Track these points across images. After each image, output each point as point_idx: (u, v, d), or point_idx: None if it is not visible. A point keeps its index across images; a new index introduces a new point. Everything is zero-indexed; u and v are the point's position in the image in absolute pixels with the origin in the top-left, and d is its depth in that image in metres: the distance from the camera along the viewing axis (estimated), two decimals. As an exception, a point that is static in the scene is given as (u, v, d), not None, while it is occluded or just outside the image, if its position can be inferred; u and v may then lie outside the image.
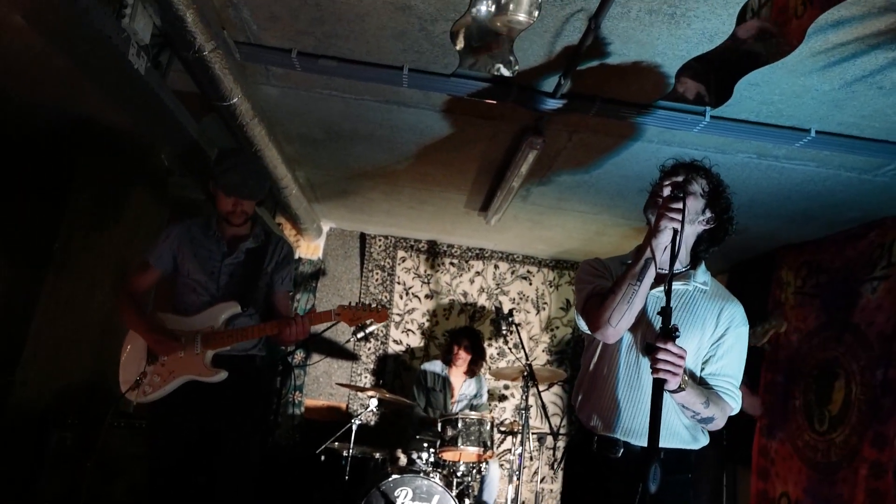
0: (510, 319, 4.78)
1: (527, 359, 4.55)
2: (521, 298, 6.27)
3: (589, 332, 2.20)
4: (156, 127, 3.00)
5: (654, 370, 1.88)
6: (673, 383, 1.92)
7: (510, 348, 6.07)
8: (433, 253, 6.26)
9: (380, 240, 6.23)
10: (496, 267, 6.31)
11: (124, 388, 2.83)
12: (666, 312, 1.91)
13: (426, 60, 2.71)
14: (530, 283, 6.32)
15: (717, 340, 2.16)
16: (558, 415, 6.13)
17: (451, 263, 6.27)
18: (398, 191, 4.73)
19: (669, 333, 1.89)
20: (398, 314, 6.16)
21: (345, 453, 4.39)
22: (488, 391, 5.57)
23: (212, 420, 2.84)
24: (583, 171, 3.77)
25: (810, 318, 4.35)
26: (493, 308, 6.09)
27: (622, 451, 2.15)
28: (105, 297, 4.04)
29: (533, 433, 4.85)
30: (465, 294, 6.24)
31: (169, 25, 2.38)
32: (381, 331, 6.09)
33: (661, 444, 2.12)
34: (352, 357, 6.06)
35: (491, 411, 5.77)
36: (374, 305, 2.98)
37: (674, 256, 1.96)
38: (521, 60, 2.61)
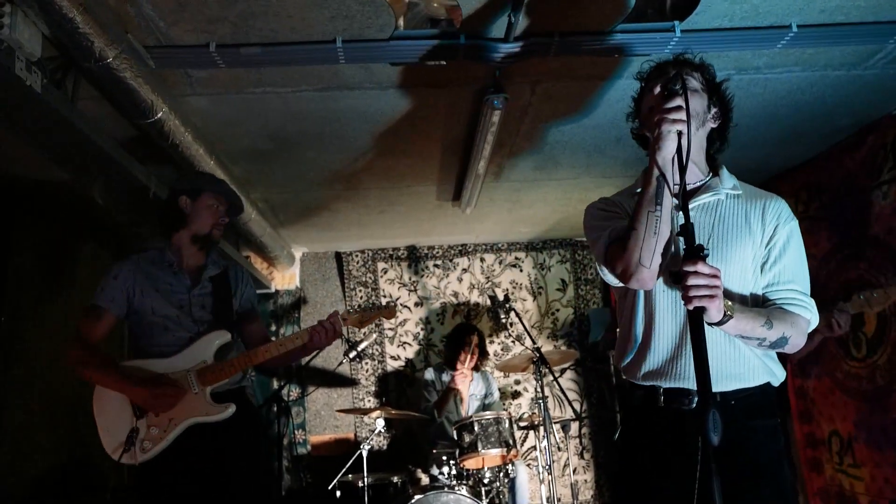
0: (507, 306, 4.47)
1: (533, 343, 4.23)
2: (514, 287, 5.96)
3: (620, 284, 1.89)
4: (77, 158, 2.66)
5: (688, 300, 1.57)
6: (714, 312, 1.61)
7: (513, 341, 5.76)
8: (414, 258, 5.94)
9: (356, 256, 5.91)
10: (482, 260, 6.01)
11: (115, 454, 2.48)
12: (686, 230, 1.60)
13: (359, 26, 2.41)
14: (521, 270, 6.02)
15: (770, 242, 1.86)
16: (578, 400, 5.81)
17: (436, 265, 5.96)
18: (364, 195, 4.42)
19: (696, 253, 1.59)
20: (390, 329, 5.83)
21: (360, 483, 4.04)
22: (499, 390, 5.24)
23: (220, 461, 2.58)
24: (553, 129, 3.48)
25: (822, 242, 4.08)
26: (488, 298, 5.76)
27: (696, 400, 1.82)
28: (70, 374, 3.69)
29: (556, 423, 4.54)
30: (455, 294, 5.92)
31: (59, 31, 2.06)
32: (377, 349, 5.76)
33: (732, 386, 1.83)
34: (350, 383, 5.72)
35: (507, 409, 5.44)
36: (379, 306, 2.82)
37: (683, 165, 1.66)
38: (462, 2, 2.33)
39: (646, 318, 1.92)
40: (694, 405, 1.82)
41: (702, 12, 2.48)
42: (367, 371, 5.74)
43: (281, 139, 3.39)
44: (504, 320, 5.13)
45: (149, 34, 2.37)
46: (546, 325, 5.92)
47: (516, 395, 5.80)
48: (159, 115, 2.64)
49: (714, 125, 1.95)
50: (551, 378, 4.71)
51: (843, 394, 3.86)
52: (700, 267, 1.57)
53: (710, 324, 1.66)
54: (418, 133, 3.44)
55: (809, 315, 1.85)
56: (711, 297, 1.57)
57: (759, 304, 1.88)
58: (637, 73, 1.99)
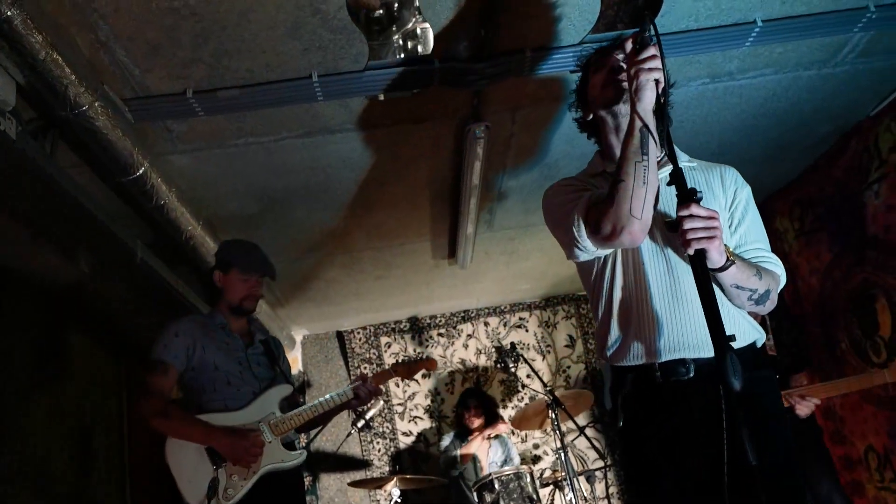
0: (515, 353, 4.35)
1: (545, 385, 4.08)
2: (522, 348, 5.82)
3: (605, 248, 1.82)
4: (58, 221, 2.63)
5: (687, 243, 1.51)
6: (716, 254, 1.56)
7: (528, 402, 5.57)
8: (417, 329, 5.84)
9: (358, 333, 5.81)
10: (486, 324, 5.90)
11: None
12: (678, 176, 1.56)
13: (333, 57, 2.44)
14: (527, 331, 5.91)
15: (731, 206, 1.88)
16: (600, 459, 5.55)
17: (440, 334, 5.85)
18: (358, 259, 4.38)
19: (690, 196, 1.54)
20: (399, 403, 5.65)
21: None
22: (519, 455, 5.03)
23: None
24: (539, 161, 3.49)
25: (824, 253, 4.02)
26: (494, 351, 5.64)
27: (693, 368, 1.72)
28: (67, 467, 3.54)
29: (580, 475, 4.31)
30: (462, 361, 5.78)
31: (32, 76, 2.07)
32: (387, 426, 5.56)
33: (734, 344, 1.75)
34: (363, 465, 5.48)
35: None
36: (422, 357, 2.97)
37: (666, 108, 1.64)
38: (432, 22, 2.38)
39: (630, 289, 1.85)
40: (692, 373, 1.74)
41: (667, 13, 2.53)
42: (379, 451, 5.51)
43: (268, 198, 3.38)
44: (513, 368, 4.99)
45: (125, 84, 2.40)
46: (559, 384, 5.74)
47: (536, 459, 5.55)
48: (140, 171, 2.64)
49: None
50: (571, 438, 4.53)
51: (871, 405, 3.69)
52: (695, 209, 1.53)
53: (713, 270, 1.60)
54: (404, 179, 3.44)
55: (780, 271, 1.87)
56: (711, 238, 1.52)
57: None
58: (577, 61, 2.03)
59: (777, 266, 1.88)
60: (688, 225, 1.52)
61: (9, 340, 3.42)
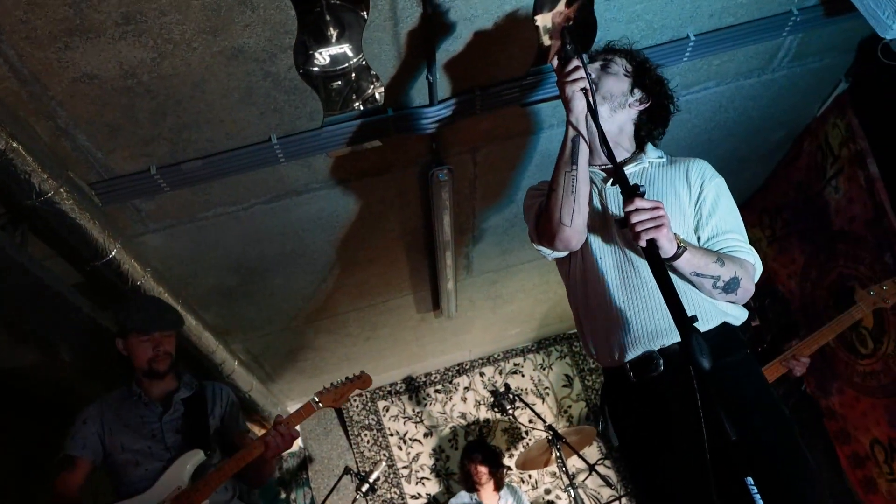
0: (510, 395, 4.32)
1: (544, 422, 4.04)
2: (520, 392, 5.77)
3: (550, 251, 1.92)
4: (35, 311, 2.64)
5: (637, 236, 1.57)
6: (667, 243, 1.61)
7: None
8: (413, 389, 5.79)
9: (355, 401, 5.75)
10: (482, 375, 5.87)
11: None
12: (619, 175, 1.63)
13: (289, 118, 2.52)
14: (523, 376, 5.88)
15: (698, 201, 1.91)
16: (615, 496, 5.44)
17: (437, 391, 5.81)
18: (343, 323, 4.39)
19: (633, 192, 1.60)
20: (404, 466, 5.55)
21: None
22: (532, 502, 4.93)
23: None
24: (507, 200, 3.56)
25: (797, 257, 4.08)
26: (489, 395, 5.60)
27: (662, 362, 1.75)
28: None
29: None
30: (463, 415, 5.72)
31: (-4, 168, 2.12)
32: (395, 490, 5.44)
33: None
34: (375, 535, 5.33)
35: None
36: (350, 377, 2.70)
37: (596, 116, 1.72)
38: (380, 72, 2.47)
39: (594, 290, 1.92)
40: (662, 368, 1.78)
41: (602, 38, 2.64)
42: (389, 520, 5.39)
43: (245, 269, 3.41)
44: (511, 410, 4.94)
45: (89, 168, 2.45)
46: (561, 426, 5.67)
47: (550, 505, 5.44)
48: (113, 253, 2.66)
49: (641, 107, 2.04)
50: (582, 478, 4.45)
51: (868, 396, 3.69)
52: (639, 203, 1.59)
53: (666, 260, 1.64)
54: (377, 233, 3.48)
55: (753, 259, 1.89)
56: (658, 227, 1.57)
57: None
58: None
59: (749, 254, 1.89)
60: (635, 218, 1.58)
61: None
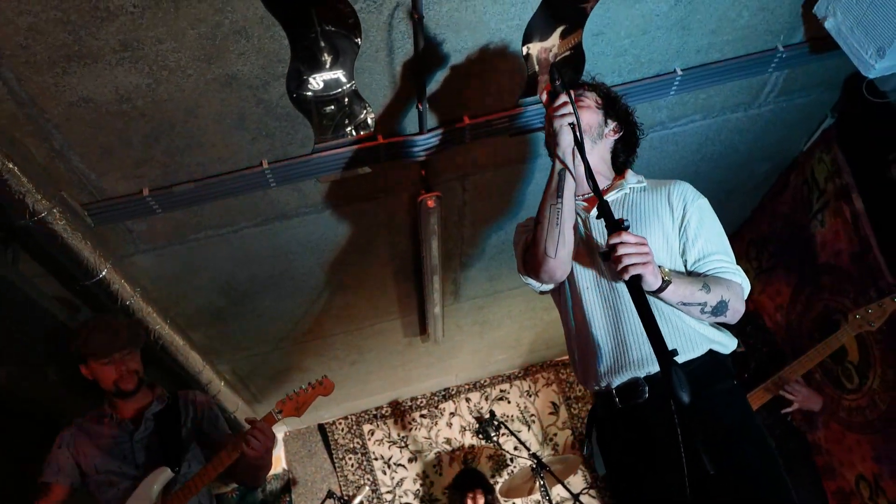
0: (496, 422, 4.32)
1: (528, 449, 4.04)
2: (507, 420, 5.77)
3: (538, 284, 1.98)
4: (24, 331, 2.64)
5: (623, 270, 1.60)
6: (651, 278, 1.64)
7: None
8: (400, 413, 5.78)
9: (340, 423, 5.73)
10: (468, 400, 5.86)
11: None
12: (604, 208, 1.66)
13: (280, 143, 2.56)
14: (509, 402, 5.87)
15: (682, 224, 1.93)
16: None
17: (422, 416, 5.79)
18: (330, 345, 4.39)
19: (618, 225, 1.64)
20: (388, 491, 5.51)
21: None
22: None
23: None
24: (495, 229, 3.59)
25: (783, 289, 4.13)
26: (474, 421, 5.59)
27: (647, 388, 1.77)
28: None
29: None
30: (448, 441, 5.70)
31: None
32: (378, 515, 5.40)
33: (682, 357, 1.81)
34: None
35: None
36: (312, 382, 2.65)
37: (583, 149, 1.76)
38: (371, 101, 2.52)
39: (581, 318, 1.96)
40: (647, 395, 1.80)
41: (591, 71, 2.70)
42: (372, 546, 5.35)
43: (234, 291, 3.42)
44: (496, 437, 4.93)
45: (82, 189, 2.48)
46: (547, 453, 5.67)
47: (535, 533, 5.41)
48: (103, 273, 2.67)
49: (615, 136, 2.10)
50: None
51: (854, 432, 3.71)
52: (625, 237, 1.62)
53: (650, 293, 1.67)
54: (365, 258, 3.51)
55: (740, 279, 1.93)
56: (644, 263, 1.60)
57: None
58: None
59: (736, 275, 1.92)
60: (620, 251, 1.61)
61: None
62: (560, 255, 1.83)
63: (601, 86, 2.20)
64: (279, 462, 5.59)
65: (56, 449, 2.61)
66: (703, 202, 2.02)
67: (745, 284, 1.93)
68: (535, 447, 5.64)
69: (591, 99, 2.11)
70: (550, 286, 2.02)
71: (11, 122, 2.11)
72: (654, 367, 1.78)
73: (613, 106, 2.16)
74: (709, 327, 1.89)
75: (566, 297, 2.01)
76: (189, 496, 2.53)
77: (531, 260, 1.92)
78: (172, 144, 2.41)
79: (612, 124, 2.13)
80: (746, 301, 1.95)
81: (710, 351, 1.87)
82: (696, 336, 1.85)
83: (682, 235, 1.94)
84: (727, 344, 1.91)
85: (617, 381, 1.84)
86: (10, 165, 2.13)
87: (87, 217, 2.58)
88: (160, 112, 2.25)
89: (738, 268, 1.94)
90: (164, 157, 2.45)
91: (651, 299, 1.68)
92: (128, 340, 2.67)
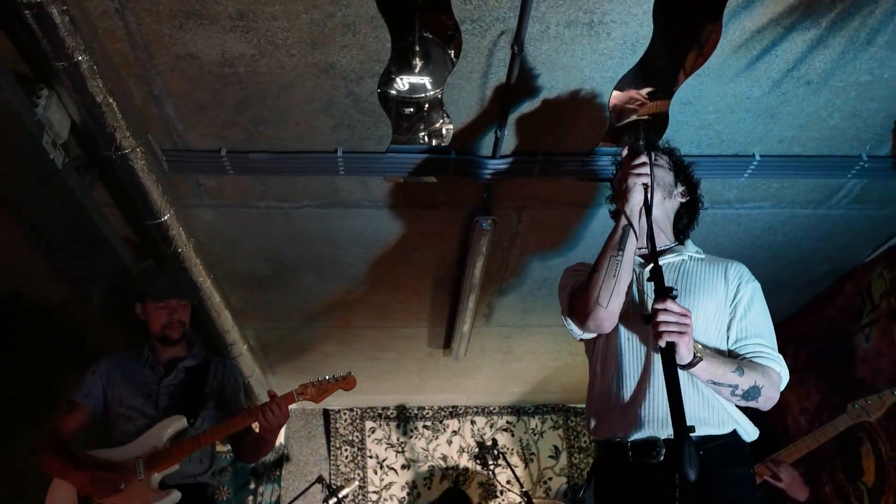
0: (496, 451, 4.33)
1: (521, 486, 4.05)
2: (506, 452, 5.77)
3: (582, 331, 1.97)
4: (81, 250, 2.78)
5: (658, 336, 1.63)
6: (685, 350, 1.66)
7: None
8: (404, 418, 5.83)
9: (345, 414, 5.81)
10: (473, 423, 5.88)
11: None
12: (656, 272, 1.69)
13: (358, 136, 2.65)
14: (512, 435, 5.87)
15: (733, 301, 1.95)
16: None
17: (425, 426, 5.83)
18: (356, 336, 4.47)
19: (666, 293, 1.67)
20: (374, 491, 5.57)
21: None
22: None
23: None
24: (540, 264, 3.63)
25: (813, 394, 4.06)
26: (475, 445, 5.59)
27: (664, 451, 1.78)
28: None
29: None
30: (444, 458, 5.73)
31: (86, 115, 2.27)
32: (360, 512, 5.45)
33: (699, 432, 1.82)
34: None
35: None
36: (336, 376, 2.75)
37: (650, 212, 1.79)
38: (454, 116, 2.59)
39: (612, 370, 1.96)
40: (662, 457, 1.81)
41: (670, 138, 2.72)
42: (348, 540, 5.39)
43: (280, 263, 3.52)
44: (492, 466, 4.93)
45: (167, 136, 2.61)
46: (538, 495, 5.65)
47: (507, 570, 5.39)
48: (166, 217, 2.80)
49: (682, 200, 2.14)
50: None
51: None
52: (670, 305, 1.64)
53: (681, 366, 1.69)
54: (410, 263, 3.58)
55: (779, 367, 1.90)
56: (682, 333, 1.62)
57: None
58: (612, 159, 2.20)
59: (775, 362, 1.90)
60: (661, 318, 1.64)
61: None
62: (612, 307, 1.85)
63: (675, 150, 2.25)
64: (279, 437, 5.69)
65: (90, 375, 2.76)
66: (757, 285, 2.05)
67: (784, 374, 1.92)
68: (527, 485, 5.63)
69: (664, 160, 2.16)
70: (593, 335, 2.05)
71: (122, 60, 2.24)
72: None
73: (684, 170, 2.21)
74: (738, 410, 1.90)
75: (601, 345, 2.03)
76: (195, 448, 2.63)
77: (580, 306, 1.94)
78: (260, 114, 2.52)
79: (681, 188, 2.17)
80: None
81: (734, 432, 1.87)
82: (723, 413, 1.86)
83: (732, 311, 1.96)
84: (750, 432, 1.91)
85: (635, 436, 1.85)
86: (110, 100, 2.26)
87: (165, 162, 2.70)
88: (257, 82, 2.36)
89: (779, 356, 1.93)
90: (249, 124, 2.57)
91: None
92: (186, 292, 2.87)
